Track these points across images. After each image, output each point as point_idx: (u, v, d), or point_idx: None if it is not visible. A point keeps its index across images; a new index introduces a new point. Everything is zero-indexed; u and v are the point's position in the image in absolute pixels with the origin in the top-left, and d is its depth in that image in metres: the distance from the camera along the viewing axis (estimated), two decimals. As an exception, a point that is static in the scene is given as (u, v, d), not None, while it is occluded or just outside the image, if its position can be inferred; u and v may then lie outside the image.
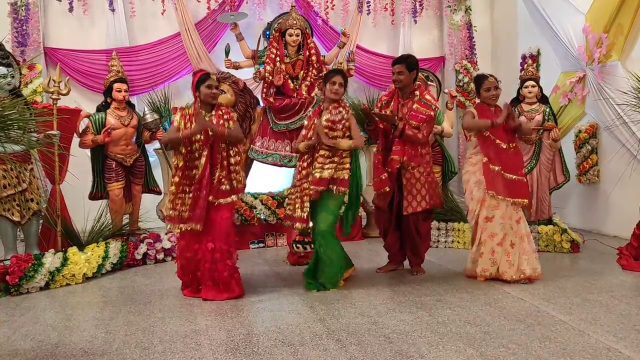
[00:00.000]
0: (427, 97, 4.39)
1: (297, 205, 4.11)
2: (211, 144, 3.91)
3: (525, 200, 4.21)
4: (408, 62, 4.38)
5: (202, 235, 3.91)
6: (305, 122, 4.34)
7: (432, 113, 4.35)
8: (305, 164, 4.15)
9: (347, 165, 4.12)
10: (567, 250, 5.27)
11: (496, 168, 4.19)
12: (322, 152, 4.08)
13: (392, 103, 4.45)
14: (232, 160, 3.98)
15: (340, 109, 4.14)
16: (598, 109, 5.90)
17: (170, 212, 3.93)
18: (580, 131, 6.32)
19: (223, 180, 3.91)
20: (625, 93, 4.56)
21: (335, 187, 4.08)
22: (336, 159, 4.08)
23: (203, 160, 3.87)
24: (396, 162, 4.30)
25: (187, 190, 3.90)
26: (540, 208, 5.77)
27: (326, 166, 4.06)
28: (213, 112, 4.00)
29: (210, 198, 3.87)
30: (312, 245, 4.48)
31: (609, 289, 3.95)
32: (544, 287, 4.02)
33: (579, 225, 6.17)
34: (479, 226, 4.27)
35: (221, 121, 3.95)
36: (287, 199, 4.30)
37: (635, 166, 5.18)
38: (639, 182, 5.02)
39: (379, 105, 4.57)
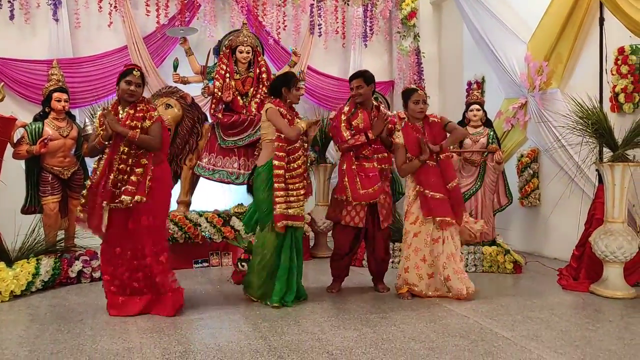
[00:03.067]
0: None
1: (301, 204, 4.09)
2: (113, 145, 3.67)
3: (447, 218, 4.22)
4: (365, 76, 4.40)
5: (125, 244, 3.71)
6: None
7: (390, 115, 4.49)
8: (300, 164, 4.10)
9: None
10: (510, 270, 5.34)
11: (420, 188, 4.25)
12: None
13: (359, 114, 4.40)
14: (138, 171, 3.66)
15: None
16: (539, 134, 6.09)
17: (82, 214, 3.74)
18: (522, 155, 6.50)
19: (119, 184, 3.64)
20: (564, 116, 4.73)
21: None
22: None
23: (102, 162, 3.69)
24: (376, 169, 4.34)
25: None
26: (484, 229, 5.85)
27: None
28: (126, 109, 3.73)
29: (104, 204, 3.62)
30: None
31: (549, 307, 4.01)
32: (488, 305, 4.04)
33: (521, 247, 6.30)
34: (406, 241, 4.35)
35: (131, 120, 3.67)
36: (284, 197, 4.01)
37: (573, 188, 5.35)
38: (577, 205, 5.17)
39: (343, 117, 4.41)
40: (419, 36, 8.26)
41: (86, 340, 3.18)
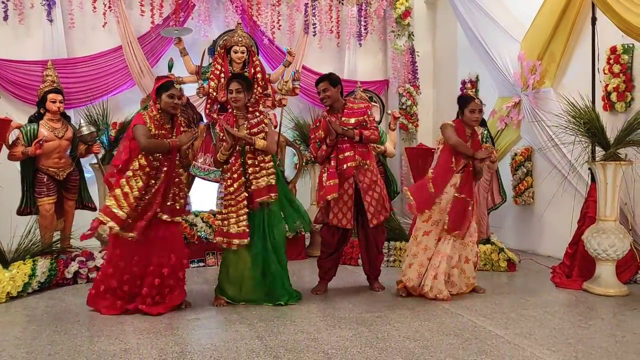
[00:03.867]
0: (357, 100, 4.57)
1: (232, 221, 4.00)
2: (170, 159, 3.91)
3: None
4: (331, 78, 4.47)
5: (151, 250, 3.86)
6: (217, 131, 4.24)
7: (363, 105, 4.51)
8: (235, 176, 4.04)
9: (272, 170, 4.11)
10: (503, 268, 5.39)
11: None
12: (249, 161, 4.04)
13: (320, 124, 4.47)
14: (181, 179, 4.03)
15: (257, 113, 4.17)
16: (532, 133, 6.13)
17: (120, 212, 3.76)
18: (516, 154, 6.54)
19: (176, 197, 3.95)
20: (557, 115, 4.77)
21: (273, 195, 4.06)
22: (263, 164, 4.06)
23: (162, 175, 3.87)
24: (352, 168, 4.35)
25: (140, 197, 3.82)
26: (478, 228, 5.87)
27: (259, 174, 4.03)
28: (170, 124, 3.97)
29: (164, 216, 3.88)
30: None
31: (543, 305, 4.06)
32: (482, 303, 4.08)
33: (515, 246, 6.34)
34: (416, 238, 4.38)
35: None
36: (218, 215, 4.18)
37: (566, 187, 5.39)
38: (570, 203, 5.21)
39: (314, 126, 4.58)
40: (413, 35, 8.28)
41: (83, 341, 3.20)
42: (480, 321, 3.60)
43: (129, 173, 3.81)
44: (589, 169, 4.85)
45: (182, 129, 4.03)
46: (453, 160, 4.29)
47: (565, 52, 5.79)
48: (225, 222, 4.02)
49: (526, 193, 6.41)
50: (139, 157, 3.82)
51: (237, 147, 4.05)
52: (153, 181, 3.85)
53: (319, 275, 4.61)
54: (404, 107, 8.04)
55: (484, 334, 3.32)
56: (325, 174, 4.40)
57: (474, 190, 4.43)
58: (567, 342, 3.17)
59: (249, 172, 4.04)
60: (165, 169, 3.88)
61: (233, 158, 4.06)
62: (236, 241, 3.99)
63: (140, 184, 3.80)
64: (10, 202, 5.16)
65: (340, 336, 3.28)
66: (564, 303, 4.19)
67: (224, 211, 4.06)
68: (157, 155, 3.87)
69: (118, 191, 3.80)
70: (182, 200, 3.99)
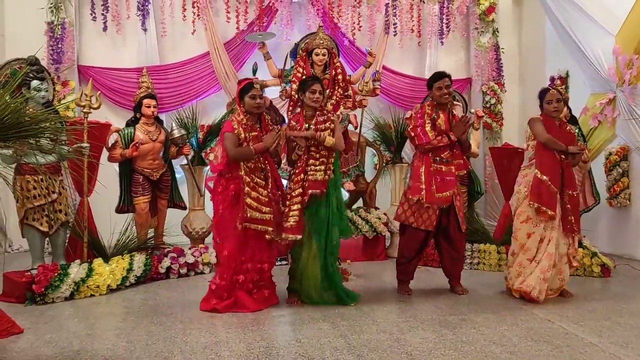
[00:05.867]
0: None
1: (290, 214, 4.02)
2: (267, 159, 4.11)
3: (549, 211, 4.11)
4: (450, 76, 4.42)
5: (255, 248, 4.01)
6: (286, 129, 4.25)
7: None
8: (297, 171, 4.10)
9: (331, 167, 4.11)
10: (597, 274, 5.11)
11: (540, 174, 4.15)
12: (311, 155, 4.08)
13: (440, 115, 4.36)
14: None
15: (325, 111, 4.23)
16: (629, 131, 5.78)
17: (266, 216, 3.94)
18: (610, 153, 6.19)
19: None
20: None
21: (323, 189, 4.06)
22: (324, 160, 4.08)
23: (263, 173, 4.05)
24: (453, 172, 4.32)
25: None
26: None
27: (318, 168, 4.06)
28: (258, 124, 4.09)
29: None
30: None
31: (641, 313, 3.82)
32: (573, 310, 3.90)
33: (609, 250, 5.99)
34: (516, 239, 4.29)
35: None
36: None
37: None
38: (672, 205, 4.88)
39: (427, 118, 4.37)
40: (497, 31, 8.05)
41: (177, 332, 3.39)
42: (572, 328, 3.45)
43: (247, 179, 3.91)
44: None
45: (270, 127, 4.13)
46: (556, 154, 4.19)
47: (665, 45, 5.43)
48: (284, 217, 4.06)
49: (622, 194, 6.05)
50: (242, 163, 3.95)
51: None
52: (261, 181, 3.99)
53: (399, 278, 4.58)
54: (487, 105, 7.84)
55: (576, 342, 3.18)
56: (439, 178, 4.29)
57: (575, 184, 4.31)
58: (669, 354, 2.98)
59: (309, 164, 4.07)
60: (267, 168, 4.04)
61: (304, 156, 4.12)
62: (291, 236, 3.99)
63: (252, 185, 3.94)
64: (110, 201, 5.53)
65: (423, 338, 3.26)
66: (666, 312, 3.92)
67: (284, 207, 4.11)
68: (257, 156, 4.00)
69: (249, 200, 3.89)
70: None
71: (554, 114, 4.23)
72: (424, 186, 4.26)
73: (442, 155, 4.31)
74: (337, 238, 4.11)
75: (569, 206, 4.18)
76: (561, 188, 4.16)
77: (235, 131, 3.92)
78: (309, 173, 4.06)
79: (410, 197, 4.36)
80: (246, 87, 4.00)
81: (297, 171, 4.09)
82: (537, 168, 4.18)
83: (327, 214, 4.06)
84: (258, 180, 3.96)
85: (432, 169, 4.30)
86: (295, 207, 4.01)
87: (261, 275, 4.05)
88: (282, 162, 5.99)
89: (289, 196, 4.08)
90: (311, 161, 4.08)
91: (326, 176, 4.07)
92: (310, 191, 4.02)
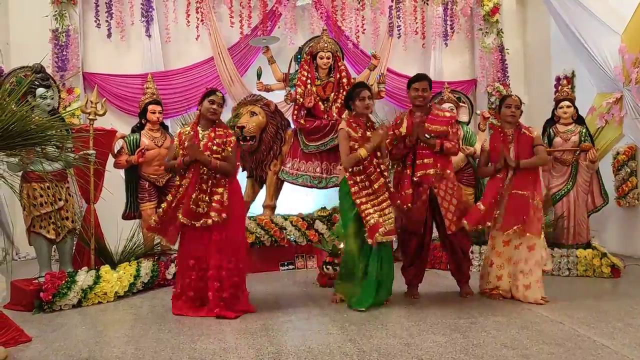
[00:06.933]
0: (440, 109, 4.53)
1: (385, 217, 4.06)
2: (195, 168, 3.98)
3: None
4: (429, 79, 4.41)
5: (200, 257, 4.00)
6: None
7: (449, 115, 4.41)
8: (373, 177, 4.10)
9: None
10: (607, 275, 5.07)
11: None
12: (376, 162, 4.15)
13: (404, 120, 4.36)
14: (219, 191, 3.95)
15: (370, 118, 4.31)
16: (636, 130, 5.74)
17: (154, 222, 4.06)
18: (618, 153, 6.16)
19: (199, 203, 3.94)
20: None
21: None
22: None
23: (186, 182, 3.99)
24: (430, 176, 4.25)
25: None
26: (577, 231, 5.59)
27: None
28: (207, 131, 4.03)
29: (184, 220, 3.94)
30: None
31: (653, 314, 3.78)
32: (584, 312, 3.86)
33: (619, 250, 5.95)
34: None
35: (212, 143, 3.96)
36: (373, 209, 4.08)
37: (677, 188, 5.01)
38: (682, 205, 4.84)
39: (394, 123, 4.47)
40: (502, 32, 8.03)
41: (185, 339, 3.36)
42: (584, 330, 3.41)
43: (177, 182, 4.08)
44: None
45: (212, 142, 4.00)
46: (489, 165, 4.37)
47: (672, 43, 5.39)
48: (379, 218, 4.03)
49: (631, 194, 6.02)
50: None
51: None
52: (181, 189, 4.01)
53: (406, 282, 4.57)
54: (493, 106, 7.81)
55: (588, 344, 3.14)
56: (401, 182, 4.35)
57: (536, 185, 4.25)
58: (684, 356, 2.94)
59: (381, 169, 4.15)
60: (190, 176, 3.97)
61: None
62: (392, 237, 4.10)
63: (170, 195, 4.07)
64: (116, 208, 5.53)
65: (433, 342, 3.23)
66: (678, 313, 3.87)
67: (371, 210, 4.04)
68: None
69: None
70: (203, 204, 3.94)
71: (509, 119, 4.30)
72: (402, 192, 4.32)
73: (417, 162, 4.32)
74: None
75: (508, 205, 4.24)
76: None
77: (174, 143, 4.10)
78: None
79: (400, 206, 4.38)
80: (208, 92, 4.08)
81: (372, 177, 4.09)
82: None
83: None
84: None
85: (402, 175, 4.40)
86: (387, 210, 4.08)
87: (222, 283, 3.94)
88: (289, 165, 6.01)
89: (375, 200, 4.06)
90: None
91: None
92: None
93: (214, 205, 3.91)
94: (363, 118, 4.20)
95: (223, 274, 3.91)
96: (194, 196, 3.91)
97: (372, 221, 3.98)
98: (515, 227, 4.14)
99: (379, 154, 4.17)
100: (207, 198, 3.94)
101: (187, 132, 4.06)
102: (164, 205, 4.09)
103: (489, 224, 4.26)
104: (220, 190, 3.96)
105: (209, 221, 3.89)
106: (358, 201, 4.04)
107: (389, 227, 4.03)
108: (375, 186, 4.08)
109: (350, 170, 4.07)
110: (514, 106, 4.28)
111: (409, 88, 4.39)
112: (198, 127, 4.07)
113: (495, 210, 4.23)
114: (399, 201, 4.28)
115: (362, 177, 4.09)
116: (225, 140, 4.03)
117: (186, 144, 3.96)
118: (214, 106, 4.01)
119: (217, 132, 4.04)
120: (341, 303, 4.21)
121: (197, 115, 4.17)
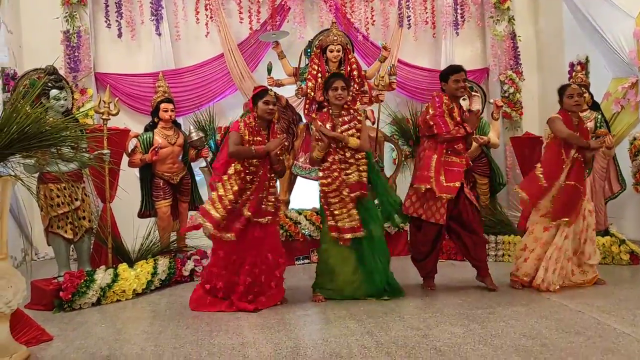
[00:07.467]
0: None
1: (344, 216, 4.07)
2: (263, 164, 4.05)
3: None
4: (465, 70, 4.42)
5: (248, 250, 4.00)
6: (313, 131, 4.31)
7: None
8: (335, 174, 4.10)
9: (365, 168, 4.14)
10: (626, 262, 5.02)
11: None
12: (338, 157, 4.11)
13: (456, 108, 4.34)
14: (272, 189, 4.13)
15: (351, 111, 4.22)
16: (654, 115, 5.66)
17: (215, 213, 3.97)
18: (635, 138, 6.03)
19: (264, 200, 4.04)
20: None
21: (363, 192, 4.12)
22: (352, 161, 4.12)
23: (257, 181, 4.02)
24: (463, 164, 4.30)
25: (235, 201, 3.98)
26: (595, 219, 5.51)
27: (349, 170, 4.10)
28: (266, 131, 4.11)
29: (260, 219, 4.01)
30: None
31: (674, 300, 3.73)
32: (603, 300, 3.83)
33: (637, 237, 5.85)
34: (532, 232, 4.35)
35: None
36: (327, 212, 4.20)
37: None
38: (701, 189, 4.76)
39: (445, 108, 4.29)
40: (514, 19, 7.93)
41: (204, 335, 3.39)
42: (604, 318, 3.38)
43: (225, 177, 4.03)
44: None
45: (277, 135, 4.16)
46: (563, 152, 4.18)
47: (689, 25, 5.29)
48: (337, 217, 4.09)
49: (648, 180, 5.91)
50: (236, 162, 4.01)
51: (333, 145, 4.12)
52: (249, 185, 4.01)
53: (422, 275, 4.54)
54: (506, 94, 7.75)
55: (609, 332, 3.12)
56: (449, 168, 4.26)
57: (583, 177, 4.24)
58: None
59: (341, 167, 4.09)
60: (260, 173, 4.02)
61: (330, 156, 4.12)
62: (349, 235, 4.08)
63: (235, 187, 3.97)
64: (132, 206, 5.56)
65: (451, 333, 3.22)
66: (700, 299, 3.82)
67: (330, 208, 4.11)
68: (253, 161, 4.01)
69: (214, 194, 4.03)
70: (270, 203, 4.08)
71: (574, 108, 4.20)
72: (433, 174, 4.20)
73: (455, 147, 4.27)
74: (378, 232, 4.17)
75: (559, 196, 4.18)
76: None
77: (240, 131, 4.01)
78: (342, 176, 4.09)
79: (416, 185, 4.32)
80: (260, 93, 4.08)
81: (334, 174, 4.09)
82: (541, 163, 4.29)
83: (365, 211, 4.13)
84: (237, 182, 3.97)
85: (443, 159, 4.26)
86: (350, 206, 4.07)
87: (254, 279, 4.01)
88: (302, 159, 6.01)
89: (336, 198, 4.10)
90: (342, 165, 4.11)
91: (362, 177, 4.11)
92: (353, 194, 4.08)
93: (272, 202, 4.08)
94: (337, 110, 4.20)
95: (256, 271, 4.00)
96: (263, 194, 4.03)
97: (332, 223, 4.10)
98: (565, 219, 4.14)
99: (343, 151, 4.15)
100: (269, 196, 4.08)
101: (252, 123, 4.06)
102: (219, 204, 3.99)
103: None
104: (273, 189, 4.14)
105: (268, 218, 4.04)
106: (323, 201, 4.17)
107: (349, 226, 4.06)
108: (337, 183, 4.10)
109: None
110: (577, 94, 4.20)
111: (445, 80, 4.33)
112: (256, 125, 4.09)
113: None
114: (442, 193, 4.18)
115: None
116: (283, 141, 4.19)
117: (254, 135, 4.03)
118: (270, 106, 4.04)
119: (275, 134, 4.16)
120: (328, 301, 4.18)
121: (248, 116, 4.15)
